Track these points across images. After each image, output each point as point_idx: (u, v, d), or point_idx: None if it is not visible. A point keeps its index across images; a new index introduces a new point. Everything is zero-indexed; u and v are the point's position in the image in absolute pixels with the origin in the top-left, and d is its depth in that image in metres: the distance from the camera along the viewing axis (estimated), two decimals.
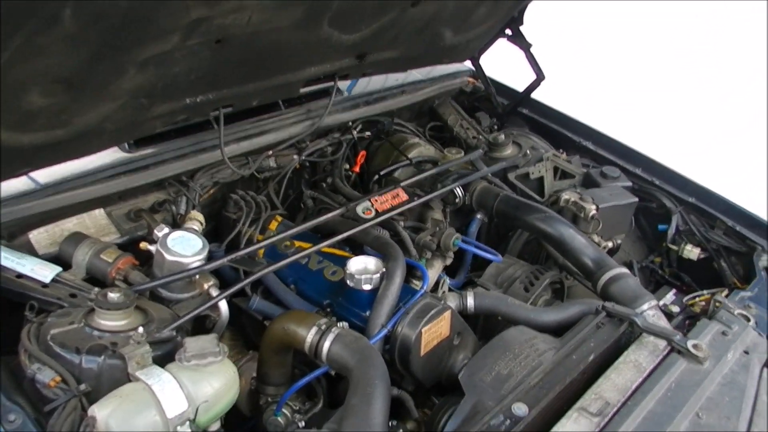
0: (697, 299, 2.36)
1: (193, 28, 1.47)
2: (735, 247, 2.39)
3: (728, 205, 2.43)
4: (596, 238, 2.35)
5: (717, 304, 1.95)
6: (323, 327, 1.57)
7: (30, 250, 1.76)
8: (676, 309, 2.38)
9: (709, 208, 2.46)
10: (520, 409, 1.46)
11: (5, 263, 1.64)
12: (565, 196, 2.35)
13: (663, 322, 1.89)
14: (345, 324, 1.61)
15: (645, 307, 1.89)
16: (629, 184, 2.54)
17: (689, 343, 1.67)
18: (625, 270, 2.01)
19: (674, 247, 2.52)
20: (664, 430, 1.46)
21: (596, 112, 2.97)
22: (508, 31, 2.71)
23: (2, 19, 1.06)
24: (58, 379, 1.35)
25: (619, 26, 6.56)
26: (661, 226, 2.58)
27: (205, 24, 1.48)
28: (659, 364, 1.65)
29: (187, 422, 1.33)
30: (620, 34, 6.46)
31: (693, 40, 6.42)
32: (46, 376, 1.35)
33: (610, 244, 2.40)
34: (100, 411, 1.26)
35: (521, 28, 2.68)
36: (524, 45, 2.71)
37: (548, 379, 1.55)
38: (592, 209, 2.27)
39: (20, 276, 1.63)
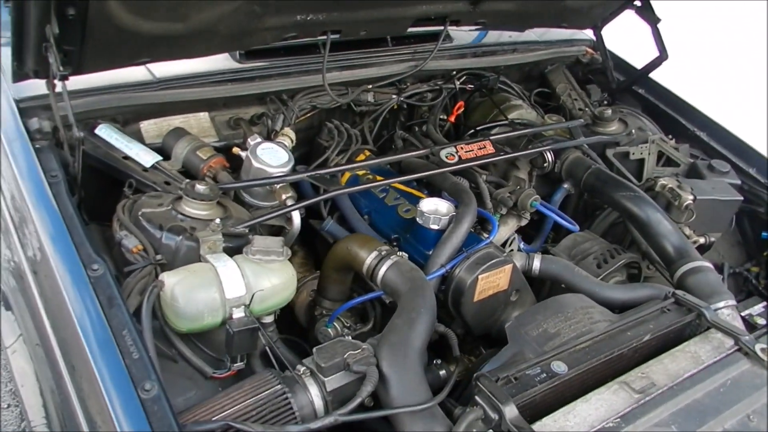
0: None
1: None
2: None
3: None
4: (687, 231, 2.23)
5: None
6: (383, 253, 1.63)
7: (139, 138, 1.93)
8: (761, 321, 2.24)
9: None
10: (560, 367, 1.44)
11: (116, 144, 1.82)
12: (662, 181, 2.24)
13: (738, 323, 1.79)
14: (404, 254, 1.65)
15: (721, 304, 1.79)
16: (738, 182, 2.37)
17: (758, 346, 1.57)
18: (707, 264, 1.91)
19: None
20: (706, 422, 1.40)
21: (717, 103, 2.77)
22: (637, 2, 2.56)
23: None
24: (141, 247, 1.50)
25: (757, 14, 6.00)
26: (765, 234, 2.41)
27: None
28: (718, 361, 1.57)
29: (243, 307, 1.44)
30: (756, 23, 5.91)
31: None
32: (130, 242, 1.51)
33: (702, 240, 2.27)
34: (169, 278, 1.39)
35: (651, 0, 2.53)
36: (652, 19, 2.55)
37: (596, 347, 1.52)
38: (688, 199, 2.16)
39: (126, 157, 1.81)
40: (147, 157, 1.82)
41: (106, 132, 1.84)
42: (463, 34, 2.62)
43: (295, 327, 1.93)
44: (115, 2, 1.45)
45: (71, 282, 1.33)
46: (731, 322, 1.78)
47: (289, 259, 2.04)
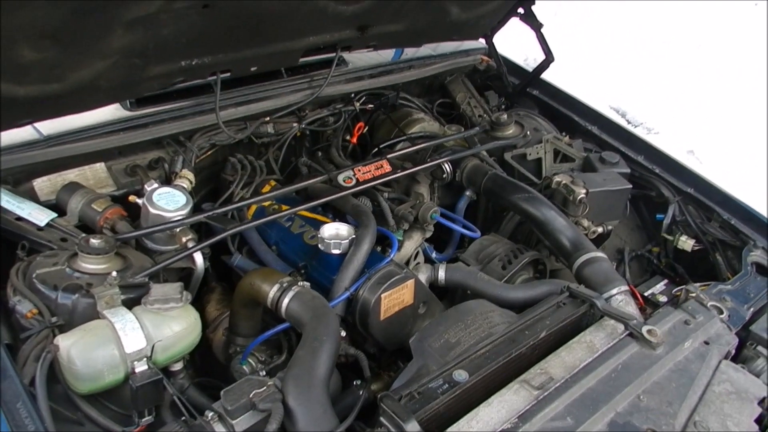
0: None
1: None
2: (729, 240, 2.35)
3: (726, 197, 2.39)
4: (586, 223, 2.35)
5: (691, 294, 1.94)
6: (285, 285, 1.66)
7: (33, 197, 1.91)
8: (663, 299, 2.37)
9: (706, 200, 2.43)
10: (461, 375, 1.51)
11: (6, 206, 1.79)
12: (557, 178, 2.36)
13: (631, 308, 1.90)
14: (306, 284, 1.69)
15: (614, 291, 1.91)
16: (627, 170, 2.51)
17: (644, 328, 1.68)
18: (600, 254, 2.02)
19: (670, 238, 2.50)
20: (599, 408, 1.49)
21: (612, 96, 2.93)
22: (521, 10, 2.69)
23: None
24: (35, 311, 1.49)
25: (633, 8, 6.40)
26: (659, 216, 2.56)
27: None
28: (612, 347, 1.67)
29: (145, 359, 1.45)
30: (635, 15, 6.30)
31: (708, 25, 6.22)
32: (24, 307, 1.50)
33: (600, 230, 2.40)
34: (63, 341, 1.39)
35: (533, 8, 2.66)
36: (535, 25, 2.69)
37: (495, 350, 1.59)
38: (581, 193, 2.28)
39: (19, 218, 1.79)
40: (41, 216, 1.80)
41: None
42: (364, 54, 2.69)
43: (216, 366, 1.94)
44: None
45: None
46: (624, 307, 1.90)
47: (207, 297, 2.08)
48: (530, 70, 2.95)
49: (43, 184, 1.95)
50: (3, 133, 1.78)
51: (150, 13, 1.61)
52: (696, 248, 2.43)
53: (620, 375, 1.60)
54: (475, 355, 1.59)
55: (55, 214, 1.81)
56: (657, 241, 2.62)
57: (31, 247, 1.72)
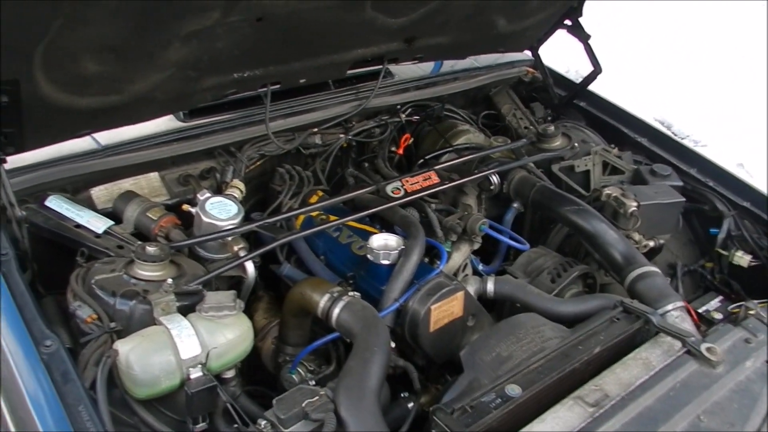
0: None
1: (232, 6, 1.59)
2: None
3: None
4: (637, 237, 2.30)
5: (750, 311, 1.88)
6: (335, 295, 1.67)
7: (90, 205, 1.96)
8: (718, 316, 2.30)
9: (764, 214, 2.35)
10: (514, 390, 1.48)
11: (66, 213, 1.85)
12: (607, 191, 2.31)
13: (687, 325, 1.84)
14: (357, 294, 1.69)
15: (669, 307, 1.86)
16: (680, 183, 2.45)
17: (703, 346, 1.63)
18: (654, 269, 1.98)
19: (725, 253, 2.42)
20: (658, 428, 1.45)
21: (657, 108, 2.87)
22: (568, 22, 2.67)
23: None
24: (95, 316, 1.53)
25: (684, 18, 6.26)
26: (713, 230, 2.48)
27: (244, 2, 1.60)
28: (669, 365, 1.63)
29: (199, 366, 1.46)
30: (685, 25, 6.16)
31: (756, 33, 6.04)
32: (84, 312, 1.53)
33: (651, 244, 2.34)
34: (122, 346, 1.42)
35: (580, 19, 2.63)
36: (583, 36, 2.66)
37: (548, 365, 1.57)
38: (632, 206, 2.23)
39: (78, 226, 1.84)
40: (98, 224, 1.85)
41: (56, 203, 1.87)
42: (408, 66, 2.70)
43: (264, 375, 1.96)
44: (47, 84, 1.50)
45: (23, 361, 1.36)
46: (680, 323, 1.84)
47: (255, 306, 2.10)
48: (574, 81, 2.93)
49: (99, 193, 2.00)
50: (63, 143, 1.85)
51: (206, 26, 1.65)
52: (753, 264, 2.35)
53: (679, 394, 1.55)
54: (528, 369, 1.56)
55: (112, 222, 1.86)
56: (710, 257, 2.54)
57: (89, 254, 1.76)
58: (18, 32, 1.29)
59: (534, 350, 1.62)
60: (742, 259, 2.37)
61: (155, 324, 1.52)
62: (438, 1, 2.09)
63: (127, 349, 1.41)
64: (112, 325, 1.51)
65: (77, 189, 1.98)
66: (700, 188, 2.52)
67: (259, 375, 1.95)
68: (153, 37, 1.56)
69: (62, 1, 1.27)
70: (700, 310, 2.30)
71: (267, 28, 1.77)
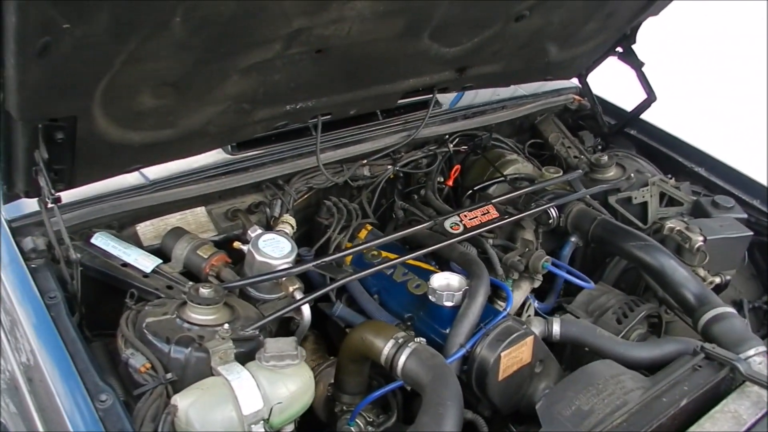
0: None
1: (294, 38, 1.52)
2: None
3: None
4: (702, 273, 2.18)
5: None
6: (400, 341, 1.56)
7: (137, 242, 1.89)
8: None
9: None
10: None
11: (113, 251, 1.77)
12: (669, 224, 2.20)
13: None
14: (423, 340, 1.59)
15: (751, 352, 1.73)
16: (744, 216, 2.34)
17: None
18: (731, 309, 1.86)
19: None
20: None
21: (711, 137, 2.77)
22: (619, 49, 2.59)
23: (118, 25, 1.15)
24: (149, 365, 1.44)
25: (739, 46, 6.13)
26: None
27: (306, 34, 1.53)
28: (762, 418, 1.51)
29: (262, 422, 1.36)
30: (740, 54, 6.02)
31: None
32: (138, 361, 1.44)
33: (717, 280, 2.22)
34: (182, 401, 1.32)
35: (633, 46, 2.55)
36: (636, 64, 2.58)
37: (633, 421, 1.45)
38: (698, 240, 2.12)
39: (125, 265, 1.76)
40: (146, 263, 1.77)
41: (102, 240, 1.80)
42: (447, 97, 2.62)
43: (314, 421, 1.85)
44: (103, 120, 1.43)
45: (79, 419, 1.26)
46: (764, 370, 1.72)
47: (301, 347, 2.00)
48: (623, 108, 2.83)
49: (146, 229, 1.93)
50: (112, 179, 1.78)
51: (266, 59, 1.58)
52: None
53: None
54: (612, 426, 1.45)
55: (160, 261, 1.78)
56: None
57: (139, 295, 1.68)
58: (81, 70, 1.23)
59: (616, 404, 1.50)
60: None
61: (212, 374, 1.43)
62: (494, 29, 2.02)
63: (186, 404, 1.31)
64: (168, 376, 1.42)
65: (123, 225, 1.90)
66: (764, 220, 2.41)
67: (307, 423, 1.85)
68: (213, 71, 1.50)
69: (128, 37, 1.20)
70: None
71: (325, 59, 1.71)
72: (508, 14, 1.94)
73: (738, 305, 2.39)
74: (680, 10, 2.75)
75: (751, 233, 2.23)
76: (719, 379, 1.62)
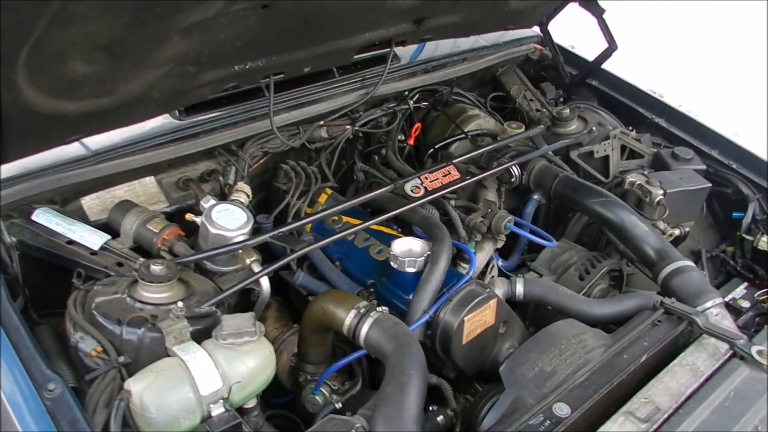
0: None
1: None
2: None
3: None
4: (662, 225, 2.19)
5: None
6: (362, 310, 1.53)
7: (82, 216, 1.79)
8: (746, 304, 2.23)
9: None
10: (562, 410, 1.39)
11: (57, 228, 1.67)
12: (630, 178, 2.20)
13: (727, 322, 1.75)
14: (385, 309, 1.56)
15: (708, 305, 1.76)
16: (703, 167, 2.35)
17: (753, 349, 1.54)
18: (689, 263, 1.87)
19: (749, 238, 2.33)
20: None
21: (672, 87, 2.75)
22: None
23: None
24: (100, 349, 1.38)
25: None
26: (735, 214, 2.39)
27: None
28: (718, 370, 1.54)
29: (221, 401, 1.33)
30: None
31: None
32: (88, 345, 1.38)
33: (677, 232, 2.24)
34: (135, 385, 1.27)
35: None
36: (597, 11, 2.51)
37: (594, 379, 1.47)
38: (659, 194, 2.12)
39: (70, 242, 1.67)
40: (94, 239, 1.68)
41: (44, 217, 1.70)
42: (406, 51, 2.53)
43: (279, 388, 1.83)
44: (31, 90, 1.32)
45: (25, 411, 1.21)
46: (721, 321, 1.75)
47: (264, 315, 1.95)
48: (585, 58, 2.78)
49: (92, 203, 1.83)
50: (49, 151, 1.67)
51: (208, 17, 1.47)
52: None
53: (734, 404, 1.46)
54: (574, 385, 1.46)
55: (108, 237, 1.69)
56: (731, 241, 2.46)
57: (87, 274, 1.59)
58: None
59: (578, 363, 1.52)
60: None
61: (167, 355, 1.38)
62: None
63: (140, 388, 1.27)
64: (121, 359, 1.36)
65: (66, 199, 1.79)
66: (723, 171, 2.42)
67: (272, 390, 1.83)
68: (150, 33, 1.38)
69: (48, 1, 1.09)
70: (727, 299, 2.22)
71: (272, 15, 1.60)
72: None
73: (696, 255, 2.44)
74: None
75: (710, 185, 2.24)
76: (678, 333, 1.65)
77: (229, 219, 1.72)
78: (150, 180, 1.92)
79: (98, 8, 1.21)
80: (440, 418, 1.60)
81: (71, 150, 1.75)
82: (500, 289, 1.80)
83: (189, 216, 1.74)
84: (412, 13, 2.06)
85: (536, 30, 2.80)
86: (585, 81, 2.77)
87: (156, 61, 1.51)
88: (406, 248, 1.74)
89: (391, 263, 1.72)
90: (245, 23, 1.59)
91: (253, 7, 1.54)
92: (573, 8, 2.58)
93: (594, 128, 2.43)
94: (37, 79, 1.31)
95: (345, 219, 2.00)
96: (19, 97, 1.32)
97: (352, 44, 2.02)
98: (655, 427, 1.40)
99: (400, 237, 1.82)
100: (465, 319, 1.60)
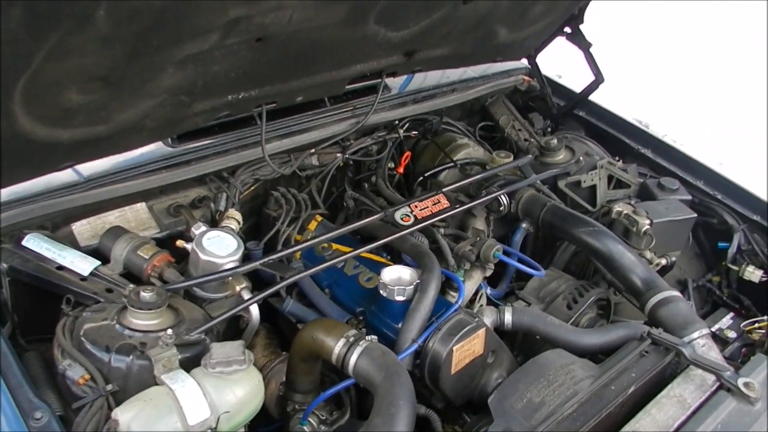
0: (756, 326, 2.22)
1: (232, 27, 1.45)
2: None
3: None
4: (649, 255, 2.22)
5: None
6: (351, 339, 1.54)
7: (72, 242, 1.79)
8: (732, 335, 2.26)
9: None
10: None
11: (47, 254, 1.67)
12: (617, 207, 2.23)
13: (714, 353, 1.77)
14: (374, 337, 1.56)
15: (695, 335, 1.78)
16: (688, 197, 2.39)
17: (740, 381, 1.55)
18: (676, 293, 1.90)
19: (735, 268, 2.37)
20: None
21: (658, 119, 2.80)
22: (568, 29, 2.58)
23: (35, 20, 1.06)
24: (87, 377, 1.37)
25: (688, 28, 6.24)
26: (721, 244, 2.43)
27: (245, 23, 1.45)
28: (705, 402, 1.55)
29: (209, 431, 1.32)
30: (689, 35, 6.14)
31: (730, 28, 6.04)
32: (75, 373, 1.37)
33: (663, 261, 2.27)
34: (123, 414, 1.27)
35: (581, 26, 2.54)
36: (584, 44, 2.57)
37: (583, 411, 1.48)
38: (645, 224, 2.15)
39: (60, 268, 1.66)
40: (83, 265, 1.68)
41: (34, 242, 1.70)
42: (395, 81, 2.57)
43: (268, 419, 1.81)
44: (26, 119, 1.33)
45: None
46: (708, 352, 1.76)
47: (252, 342, 1.95)
48: (572, 89, 2.84)
49: (82, 228, 1.83)
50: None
51: (203, 50, 1.50)
52: (764, 279, 2.30)
53: None
54: (563, 417, 1.46)
55: (98, 262, 1.69)
56: (717, 271, 2.49)
57: (76, 300, 1.59)
58: None
59: (567, 394, 1.52)
60: (753, 274, 2.32)
61: (156, 383, 1.38)
62: (442, 12, 1.97)
63: (128, 417, 1.26)
64: (109, 387, 1.35)
65: (57, 225, 1.80)
66: (708, 201, 2.47)
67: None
68: (145, 65, 1.41)
69: (47, 32, 1.11)
70: (713, 329, 2.24)
71: (266, 48, 1.63)
72: None
73: (683, 284, 2.47)
74: None
75: (695, 215, 2.28)
76: (665, 364, 1.66)
77: (219, 246, 1.73)
78: (141, 206, 1.93)
79: (95, 41, 1.23)
80: None
81: (63, 176, 1.76)
82: (489, 318, 1.81)
83: (180, 242, 1.75)
84: (403, 46, 2.10)
85: (524, 62, 2.87)
86: (572, 111, 2.82)
87: (151, 91, 1.53)
88: (396, 276, 1.75)
89: (381, 291, 1.73)
90: (239, 56, 1.62)
91: (247, 40, 1.56)
92: (560, 42, 2.65)
93: (581, 158, 2.47)
94: (33, 108, 1.33)
95: (335, 246, 2.01)
96: (14, 126, 1.33)
97: (344, 75, 2.06)
98: None
99: (389, 265, 1.83)
100: (454, 348, 1.61)
